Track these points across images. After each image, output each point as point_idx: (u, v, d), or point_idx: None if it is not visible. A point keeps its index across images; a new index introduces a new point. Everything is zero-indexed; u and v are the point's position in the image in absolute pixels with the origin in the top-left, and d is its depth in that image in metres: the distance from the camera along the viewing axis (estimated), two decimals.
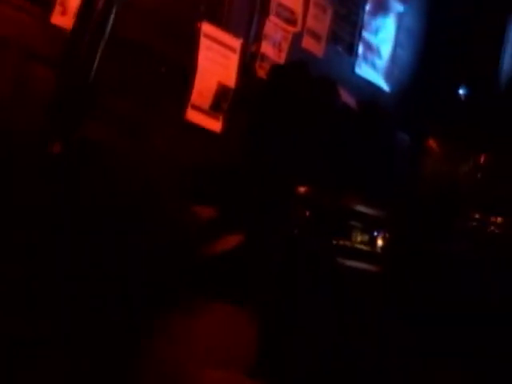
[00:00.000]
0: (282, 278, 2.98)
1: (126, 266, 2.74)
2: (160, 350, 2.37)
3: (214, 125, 3.98)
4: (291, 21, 4.57)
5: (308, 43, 4.75)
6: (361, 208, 3.93)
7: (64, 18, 3.23)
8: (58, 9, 3.24)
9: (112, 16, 3.00)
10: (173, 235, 2.94)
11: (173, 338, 2.41)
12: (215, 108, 3.97)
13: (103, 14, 3.00)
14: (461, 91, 5.56)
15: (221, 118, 4.01)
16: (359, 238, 3.89)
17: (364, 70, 5.34)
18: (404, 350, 3.55)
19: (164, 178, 3.48)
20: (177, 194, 3.22)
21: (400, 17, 5.66)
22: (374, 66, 5.46)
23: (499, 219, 4.86)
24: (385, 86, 5.56)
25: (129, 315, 2.59)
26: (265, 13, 4.38)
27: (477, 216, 4.94)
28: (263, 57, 4.39)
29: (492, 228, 4.90)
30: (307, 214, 3.57)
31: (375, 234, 4.00)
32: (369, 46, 5.39)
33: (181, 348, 2.36)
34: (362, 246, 3.93)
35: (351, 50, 5.21)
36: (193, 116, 3.87)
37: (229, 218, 3.02)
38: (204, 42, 3.93)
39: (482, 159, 5.32)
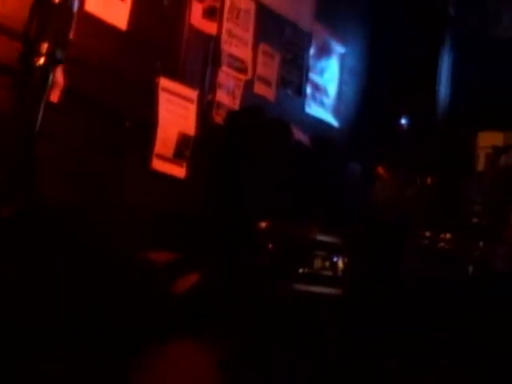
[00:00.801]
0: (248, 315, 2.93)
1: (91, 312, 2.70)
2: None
3: (179, 171, 4.01)
4: (242, 69, 4.60)
5: (260, 89, 4.77)
6: (320, 237, 3.91)
7: None
8: None
9: (51, 75, 2.91)
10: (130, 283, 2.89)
11: (147, 374, 2.37)
12: (178, 156, 4.00)
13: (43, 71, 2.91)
14: (403, 121, 5.59)
15: (184, 164, 4.03)
16: (321, 264, 3.85)
17: (313, 109, 5.38)
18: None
19: (131, 225, 3.45)
20: (139, 241, 3.17)
21: (342, 57, 5.72)
22: (322, 104, 5.49)
23: (448, 235, 4.86)
24: (334, 122, 5.60)
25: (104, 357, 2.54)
26: (217, 64, 4.40)
27: (427, 234, 4.93)
28: (219, 105, 4.40)
29: (442, 244, 4.89)
30: (270, 246, 3.54)
31: (335, 259, 3.94)
32: (316, 87, 5.42)
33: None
34: (324, 272, 3.88)
35: (300, 92, 5.24)
36: (158, 165, 3.89)
37: (188, 259, 2.98)
38: (163, 96, 3.96)
39: (428, 181, 5.34)
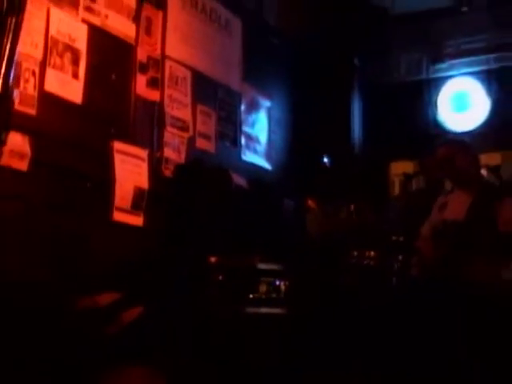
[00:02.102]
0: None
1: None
2: None
3: (137, 220, 4.03)
4: (184, 128, 4.66)
5: (201, 143, 4.83)
6: (263, 265, 3.94)
7: None
8: None
9: None
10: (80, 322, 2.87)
11: None
12: (135, 207, 4.02)
13: None
14: (325, 160, 5.69)
15: (141, 214, 4.06)
16: (265, 289, 3.89)
17: (248, 156, 5.45)
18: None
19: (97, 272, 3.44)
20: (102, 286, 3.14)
21: (269, 111, 5.81)
22: (255, 151, 5.56)
23: (372, 253, 4.92)
24: (267, 166, 5.67)
25: None
26: (162, 125, 4.46)
27: (355, 253, 4.98)
28: (167, 160, 4.44)
29: (368, 261, 4.94)
30: (220, 277, 3.58)
31: (277, 283, 3.98)
32: (249, 137, 5.49)
33: None
34: (269, 295, 3.91)
35: (236, 143, 5.30)
36: (118, 216, 3.91)
37: (133, 295, 2.95)
38: (118, 157, 4.00)
39: (352, 208, 5.41)
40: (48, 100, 3.57)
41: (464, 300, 3.52)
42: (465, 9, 6.10)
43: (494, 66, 6.60)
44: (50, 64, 3.61)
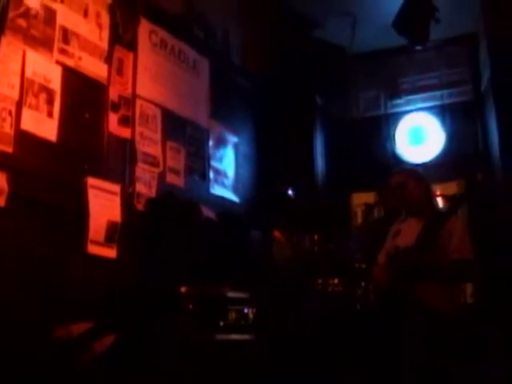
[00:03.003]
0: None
1: None
2: None
3: (110, 253, 4.05)
4: (155, 164, 4.71)
5: (171, 178, 4.86)
6: (231, 294, 3.98)
7: None
8: None
9: None
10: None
11: None
12: (109, 240, 4.04)
13: None
14: (289, 192, 5.76)
15: (114, 246, 4.09)
16: (234, 316, 3.93)
17: (217, 190, 5.49)
18: None
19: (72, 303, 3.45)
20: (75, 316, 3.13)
21: (236, 146, 5.89)
22: (223, 185, 5.61)
23: (335, 280, 4.97)
24: (235, 199, 5.71)
25: None
26: (134, 161, 4.51)
27: (319, 281, 5.03)
28: (139, 194, 4.47)
29: (331, 288, 4.99)
30: (190, 306, 3.61)
31: (245, 310, 4.02)
32: (217, 171, 5.54)
33: None
34: (237, 322, 3.94)
35: (205, 177, 5.34)
36: (92, 248, 3.93)
37: (106, 324, 2.94)
38: (91, 192, 4.03)
39: (315, 238, 5.47)
40: (24, 138, 3.63)
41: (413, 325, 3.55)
42: (418, 48, 6.30)
43: (446, 101, 6.80)
44: (26, 104, 3.68)
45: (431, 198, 4.10)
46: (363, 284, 4.64)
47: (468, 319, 4.36)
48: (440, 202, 6.23)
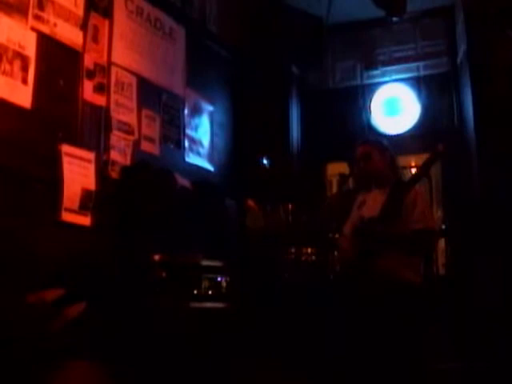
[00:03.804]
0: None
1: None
2: None
3: (84, 220, 4.08)
4: (130, 132, 4.72)
5: (146, 146, 4.89)
6: (205, 262, 4.02)
7: None
8: None
9: None
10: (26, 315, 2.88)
11: None
12: (83, 208, 4.06)
13: None
14: (264, 161, 5.79)
15: (89, 214, 4.11)
16: (207, 284, 3.97)
17: (192, 159, 5.52)
18: None
19: (43, 270, 3.47)
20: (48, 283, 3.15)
21: (212, 114, 5.91)
22: (199, 154, 5.64)
23: (309, 249, 5.03)
24: (210, 168, 5.76)
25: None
26: (109, 129, 4.52)
27: (293, 250, 5.09)
28: (113, 162, 4.49)
29: (304, 257, 5.05)
30: (163, 274, 3.64)
31: (219, 279, 4.07)
32: (193, 140, 5.56)
33: None
34: (211, 291, 3.99)
35: (180, 145, 5.36)
36: (66, 216, 3.96)
37: (79, 292, 2.97)
38: (66, 159, 4.04)
39: (289, 207, 5.51)
40: None
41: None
42: (395, 19, 6.32)
43: (422, 72, 6.86)
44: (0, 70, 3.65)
45: (395, 169, 4.15)
46: (336, 253, 4.69)
47: (431, 289, 4.47)
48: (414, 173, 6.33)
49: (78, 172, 4.10)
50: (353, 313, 3.68)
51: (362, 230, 3.83)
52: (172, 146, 5.31)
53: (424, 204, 3.91)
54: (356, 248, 3.81)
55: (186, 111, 5.55)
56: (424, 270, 5.04)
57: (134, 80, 4.85)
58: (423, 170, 3.81)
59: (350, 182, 6.49)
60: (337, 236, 4.79)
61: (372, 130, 7.01)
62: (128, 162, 4.64)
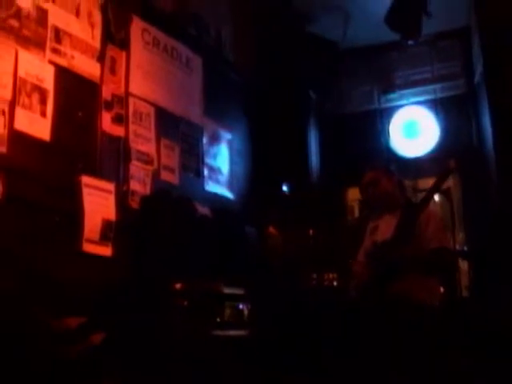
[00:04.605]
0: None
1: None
2: None
3: (105, 251, 4.06)
4: (149, 162, 4.72)
5: (165, 175, 4.88)
6: (226, 290, 4.00)
7: None
8: None
9: None
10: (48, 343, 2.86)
11: None
12: (104, 238, 4.05)
13: None
14: (284, 188, 5.77)
15: (110, 244, 4.10)
16: (229, 312, 3.95)
17: (211, 187, 5.49)
18: None
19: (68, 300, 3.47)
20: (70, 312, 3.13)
21: (230, 143, 5.89)
22: (218, 182, 5.61)
23: (330, 275, 4.99)
24: (229, 195, 5.72)
25: None
26: (128, 160, 4.52)
27: (314, 275, 5.04)
28: (133, 192, 4.48)
29: (326, 282, 5.01)
30: (185, 303, 3.62)
31: (240, 306, 4.05)
32: (211, 168, 5.55)
33: None
34: (233, 318, 3.97)
35: (199, 174, 5.34)
36: (87, 247, 3.95)
37: (100, 321, 2.95)
38: (86, 191, 4.04)
39: (310, 233, 5.49)
40: (18, 138, 3.64)
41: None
42: (411, 42, 6.32)
43: (439, 95, 6.83)
44: (19, 103, 3.69)
45: (404, 192, 4.17)
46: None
47: (449, 311, 4.38)
48: (436, 196, 6.28)
49: (98, 203, 4.10)
50: (370, 338, 3.60)
51: (376, 254, 3.78)
52: (191, 175, 5.29)
53: (438, 223, 3.87)
54: (371, 273, 3.76)
55: (204, 140, 5.54)
56: (445, 292, 4.98)
57: (151, 110, 4.86)
58: (435, 187, 3.78)
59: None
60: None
61: (391, 153, 6.98)
62: (148, 191, 4.62)
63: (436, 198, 6.52)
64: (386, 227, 3.91)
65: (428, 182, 6.10)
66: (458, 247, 6.51)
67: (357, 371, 3.60)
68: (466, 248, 6.37)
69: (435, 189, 3.81)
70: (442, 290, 5.27)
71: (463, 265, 6.30)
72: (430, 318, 3.64)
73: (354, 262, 4.10)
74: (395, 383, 3.42)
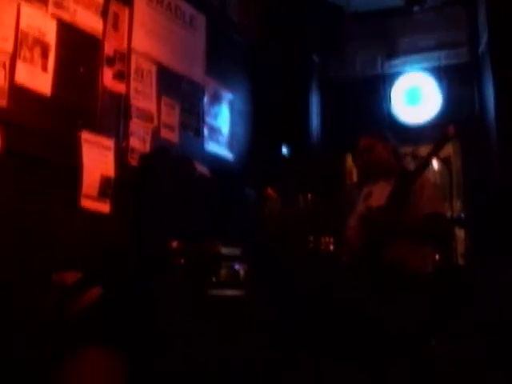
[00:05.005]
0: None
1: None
2: None
3: (103, 207, 4.06)
4: (149, 119, 4.70)
5: (165, 133, 4.86)
6: (223, 250, 4.00)
7: None
8: None
9: None
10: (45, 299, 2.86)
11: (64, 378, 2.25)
12: (102, 195, 4.05)
13: None
14: (284, 150, 5.75)
15: (108, 201, 4.09)
16: (225, 272, 3.96)
17: (211, 147, 5.49)
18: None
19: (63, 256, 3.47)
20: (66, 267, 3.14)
21: (231, 103, 5.87)
22: (218, 142, 5.60)
23: (327, 239, 4.99)
24: (229, 156, 5.72)
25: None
26: (128, 116, 4.51)
27: (311, 239, 5.05)
28: (133, 150, 4.47)
29: (323, 246, 5.02)
30: (182, 261, 3.63)
31: (237, 267, 4.05)
32: (212, 128, 5.53)
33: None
34: (229, 278, 3.98)
35: (199, 133, 5.33)
36: (85, 203, 3.95)
37: (97, 277, 2.95)
38: (85, 146, 4.03)
39: (309, 197, 5.48)
40: (18, 92, 3.61)
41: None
42: (416, 8, 6.24)
43: (443, 62, 6.77)
44: (20, 57, 3.65)
45: (399, 159, 4.11)
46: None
47: (442, 279, 4.39)
48: (435, 163, 6.28)
49: (97, 159, 4.09)
50: (362, 303, 3.60)
51: (370, 220, 3.74)
52: (191, 134, 5.28)
53: (432, 190, 3.85)
54: (363, 239, 3.73)
55: (205, 99, 5.51)
56: (440, 260, 4.99)
57: (153, 68, 4.83)
58: (432, 153, 3.75)
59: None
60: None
61: (392, 119, 6.94)
62: (147, 149, 4.61)
63: (435, 165, 6.52)
64: (380, 194, 3.87)
65: (429, 150, 6.10)
66: (455, 215, 6.51)
67: (348, 338, 3.62)
68: (463, 215, 6.37)
69: (432, 155, 3.78)
70: (437, 257, 5.32)
71: (460, 233, 6.31)
72: (423, 285, 3.62)
73: (347, 227, 4.05)
74: (387, 349, 3.43)
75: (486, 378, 4.00)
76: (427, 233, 3.73)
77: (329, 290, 4.08)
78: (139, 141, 4.60)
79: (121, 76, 4.49)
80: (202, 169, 4.94)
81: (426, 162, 3.78)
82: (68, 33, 4.03)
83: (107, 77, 4.36)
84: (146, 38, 4.80)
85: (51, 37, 3.89)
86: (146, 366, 2.47)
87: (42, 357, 2.55)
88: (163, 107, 4.92)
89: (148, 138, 4.68)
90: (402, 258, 3.61)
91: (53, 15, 3.92)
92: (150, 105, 4.77)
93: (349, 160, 7.11)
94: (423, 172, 3.78)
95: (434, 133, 6.28)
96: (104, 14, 4.33)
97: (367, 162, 4.09)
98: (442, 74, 6.85)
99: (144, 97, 4.70)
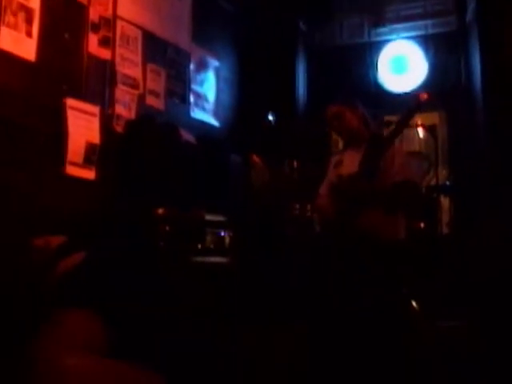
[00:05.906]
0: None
1: None
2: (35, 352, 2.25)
3: (89, 174, 4.06)
4: (135, 86, 4.68)
5: (151, 100, 4.85)
6: (209, 217, 4.00)
7: None
8: None
9: None
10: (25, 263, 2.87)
11: (44, 341, 2.26)
12: (87, 161, 4.03)
13: None
14: (269, 117, 5.73)
15: (93, 168, 4.09)
16: (210, 239, 3.96)
17: (197, 114, 5.49)
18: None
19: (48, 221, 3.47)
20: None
21: (217, 70, 5.85)
22: (204, 109, 5.60)
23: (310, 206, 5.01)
24: (215, 123, 5.72)
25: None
26: (114, 83, 4.48)
27: (297, 206, 5.06)
28: (118, 116, 4.46)
29: (309, 213, 5.04)
30: (167, 228, 3.63)
31: (222, 234, 4.06)
32: (198, 95, 5.52)
33: (51, 346, 2.23)
34: (214, 245, 3.99)
35: (185, 100, 5.33)
36: (70, 170, 3.94)
37: (80, 242, 2.95)
38: (70, 113, 4.01)
39: (295, 164, 5.48)
40: (2, 57, 3.58)
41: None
42: None
43: (430, 31, 6.74)
44: (4, 22, 3.62)
45: (369, 126, 3.98)
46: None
47: (415, 246, 4.41)
48: (421, 131, 6.28)
49: (82, 126, 4.08)
50: (337, 272, 3.59)
51: (341, 188, 3.71)
52: (177, 101, 5.27)
53: (403, 158, 3.77)
54: (335, 207, 3.69)
55: (191, 66, 5.49)
56: (424, 229, 5.02)
57: (139, 34, 4.80)
58: (403, 120, 3.67)
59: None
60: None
61: (378, 87, 6.92)
62: (133, 116, 4.60)
63: (420, 133, 6.51)
64: (350, 161, 3.81)
65: (414, 119, 6.10)
66: (440, 183, 6.53)
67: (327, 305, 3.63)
68: (448, 183, 6.39)
69: (403, 122, 3.68)
70: (422, 225, 5.35)
71: (445, 202, 6.35)
72: (395, 252, 3.61)
73: (318, 195, 4.02)
74: (361, 318, 3.44)
75: (476, 346, 4.03)
76: (398, 200, 3.67)
77: (311, 257, 4.11)
78: (124, 107, 4.58)
79: (106, 42, 4.45)
80: (187, 136, 4.90)
81: (398, 129, 3.69)
82: None
83: (92, 43, 4.33)
84: (132, 4, 4.75)
85: (35, 2, 3.84)
86: (128, 332, 2.48)
87: (22, 320, 2.55)
88: (149, 74, 4.90)
89: (133, 105, 4.67)
90: (374, 226, 3.56)
91: None
92: (136, 71, 4.75)
93: None
94: (394, 139, 3.69)
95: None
96: None
97: (337, 130, 4.05)
98: (429, 43, 6.82)
99: (129, 63, 4.68)
